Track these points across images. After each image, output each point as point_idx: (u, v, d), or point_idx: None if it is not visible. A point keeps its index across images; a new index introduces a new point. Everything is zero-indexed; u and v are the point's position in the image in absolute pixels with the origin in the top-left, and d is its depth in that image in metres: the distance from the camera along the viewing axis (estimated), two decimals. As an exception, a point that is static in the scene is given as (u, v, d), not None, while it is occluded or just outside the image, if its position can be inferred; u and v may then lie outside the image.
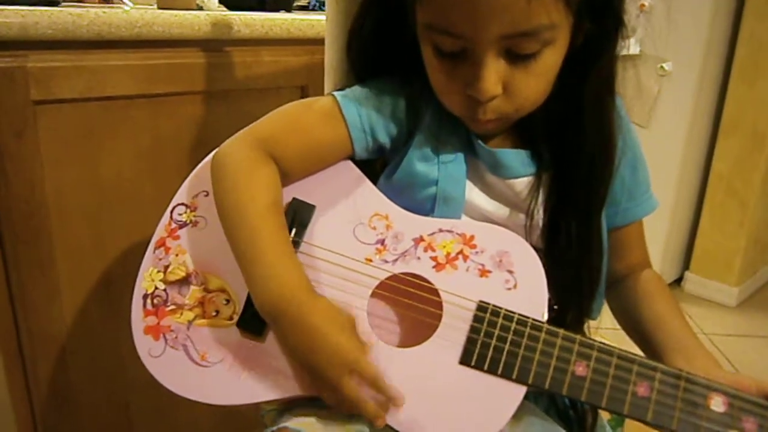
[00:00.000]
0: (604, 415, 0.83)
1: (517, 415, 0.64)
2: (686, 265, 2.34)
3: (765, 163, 2.10)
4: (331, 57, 0.74)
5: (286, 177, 0.66)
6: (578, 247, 0.63)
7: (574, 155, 0.62)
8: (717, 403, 0.54)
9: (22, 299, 0.88)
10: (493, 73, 0.54)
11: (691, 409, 0.53)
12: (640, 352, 0.66)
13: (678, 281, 2.35)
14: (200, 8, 1.09)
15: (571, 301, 0.64)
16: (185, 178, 0.70)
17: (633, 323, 0.68)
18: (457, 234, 0.63)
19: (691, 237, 2.32)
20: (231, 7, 1.17)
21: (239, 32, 0.97)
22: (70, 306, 0.94)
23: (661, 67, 2.05)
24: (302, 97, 1.09)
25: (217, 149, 0.66)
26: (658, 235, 2.19)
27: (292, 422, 0.61)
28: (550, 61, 0.56)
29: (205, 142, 0.99)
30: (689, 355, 0.61)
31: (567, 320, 0.63)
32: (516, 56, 0.54)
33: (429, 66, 0.60)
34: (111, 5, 1.22)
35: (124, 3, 1.24)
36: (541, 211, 0.64)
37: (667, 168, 2.14)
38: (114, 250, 0.96)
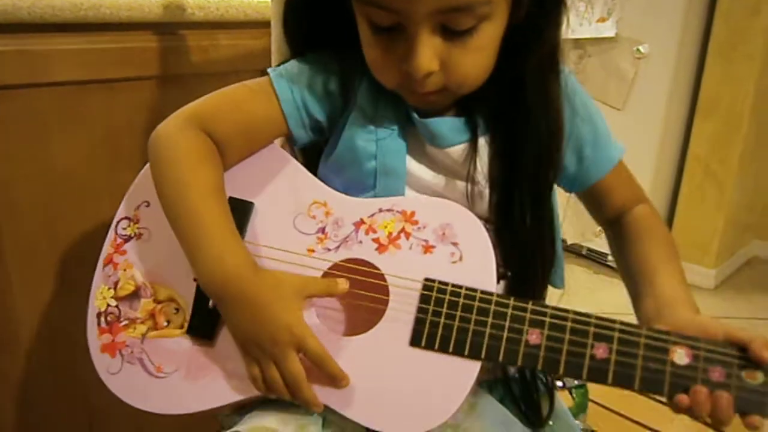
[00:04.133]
0: (567, 402, 0.81)
1: (472, 404, 0.63)
2: (665, 248, 2.34)
3: (742, 143, 2.10)
4: (277, 38, 0.71)
5: (223, 155, 0.65)
6: (530, 221, 0.62)
7: (518, 127, 0.61)
8: (680, 356, 0.51)
9: (-30, 295, 0.85)
10: (428, 48, 0.53)
11: (653, 365, 0.51)
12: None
13: (656, 264, 2.36)
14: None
15: (527, 273, 0.63)
16: (142, 165, 0.68)
17: (622, 268, 0.69)
18: (398, 212, 0.61)
19: (668, 220, 2.32)
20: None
21: (193, 15, 0.94)
22: (23, 301, 0.91)
23: (638, 49, 2.03)
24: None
25: (152, 133, 0.65)
26: (636, 218, 2.19)
27: (247, 425, 0.60)
28: (488, 36, 0.55)
29: (162, 129, 0.97)
30: (659, 301, 0.59)
31: (526, 292, 0.61)
32: (452, 32, 0.53)
33: (364, 41, 0.58)
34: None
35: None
36: (482, 179, 0.62)
37: (645, 151, 2.13)
38: (69, 242, 0.94)
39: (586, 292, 2.14)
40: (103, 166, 0.93)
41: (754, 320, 2.06)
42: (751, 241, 2.47)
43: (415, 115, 0.62)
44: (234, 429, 0.60)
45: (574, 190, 0.72)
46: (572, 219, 2.20)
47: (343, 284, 0.59)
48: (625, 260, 0.69)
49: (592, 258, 2.32)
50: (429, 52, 0.54)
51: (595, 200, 0.72)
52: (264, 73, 1.06)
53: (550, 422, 0.66)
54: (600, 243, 2.24)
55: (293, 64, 0.66)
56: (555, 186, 0.65)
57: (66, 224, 0.92)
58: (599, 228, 0.77)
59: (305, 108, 0.65)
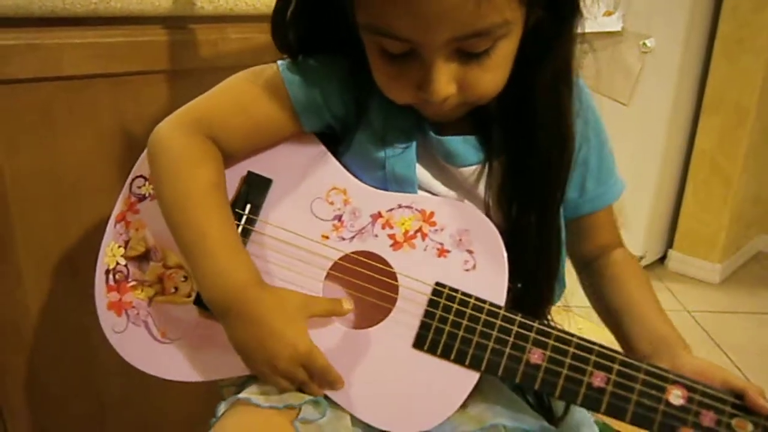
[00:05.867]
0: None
1: (483, 391, 0.62)
2: (670, 242, 2.34)
3: (748, 139, 2.09)
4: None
5: (231, 159, 0.64)
6: (536, 238, 0.61)
7: (528, 144, 0.59)
8: (676, 397, 0.52)
9: (-20, 287, 0.85)
10: (445, 74, 0.52)
11: (648, 401, 0.52)
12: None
13: (662, 259, 2.35)
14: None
15: (531, 287, 0.63)
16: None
17: (603, 307, 0.67)
18: (417, 210, 0.60)
19: (674, 215, 2.32)
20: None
21: (202, 9, 0.94)
22: (34, 293, 0.91)
23: (644, 43, 2.02)
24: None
25: (153, 132, 0.63)
26: (642, 213, 2.18)
27: (247, 392, 0.60)
28: (504, 53, 0.53)
29: (171, 123, 0.96)
30: (655, 340, 0.59)
31: (529, 303, 0.62)
32: (468, 54, 0.52)
33: (374, 66, 0.56)
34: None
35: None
36: (496, 199, 0.61)
37: (651, 146, 2.12)
38: (79, 235, 0.94)
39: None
40: (112, 160, 0.93)
41: (759, 315, 2.06)
42: (758, 235, 2.47)
43: (432, 134, 0.61)
44: (237, 397, 0.60)
45: (566, 216, 0.68)
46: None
47: (347, 305, 0.59)
48: (606, 300, 0.67)
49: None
50: (446, 78, 0.52)
51: (579, 233, 0.69)
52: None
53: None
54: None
55: (307, 61, 0.63)
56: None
57: (76, 217, 0.92)
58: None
59: (318, 109, 0.63)
